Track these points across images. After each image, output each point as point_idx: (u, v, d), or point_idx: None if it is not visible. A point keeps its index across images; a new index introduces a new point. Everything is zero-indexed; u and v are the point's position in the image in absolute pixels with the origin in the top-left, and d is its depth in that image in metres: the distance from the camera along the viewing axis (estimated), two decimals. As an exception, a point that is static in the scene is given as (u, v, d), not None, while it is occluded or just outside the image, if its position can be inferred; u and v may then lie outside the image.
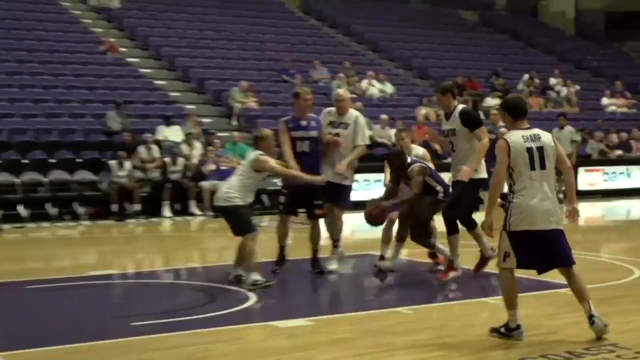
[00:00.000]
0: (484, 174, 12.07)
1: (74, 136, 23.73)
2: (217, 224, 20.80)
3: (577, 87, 35.85)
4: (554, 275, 9.50)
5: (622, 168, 29.79)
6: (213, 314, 10.12)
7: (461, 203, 12.12)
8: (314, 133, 12.86)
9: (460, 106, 12.09)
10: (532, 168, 8.61)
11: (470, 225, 12.41)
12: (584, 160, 29.24)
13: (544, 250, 8.70)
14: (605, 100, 35.58)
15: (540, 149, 8.66)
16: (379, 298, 11.68)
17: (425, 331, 9.16)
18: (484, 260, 12.69)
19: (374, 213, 12.61)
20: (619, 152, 30.74)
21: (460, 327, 9.35)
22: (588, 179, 28.75)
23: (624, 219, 24.97)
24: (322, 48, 34.79)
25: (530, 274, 10.16)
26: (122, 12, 31.24)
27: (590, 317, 8.69)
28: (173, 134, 24.27)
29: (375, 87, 31.21)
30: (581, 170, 28.20)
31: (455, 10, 44.53)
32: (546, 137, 8.80)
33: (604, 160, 29.95)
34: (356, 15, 40.06)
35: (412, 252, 14.63)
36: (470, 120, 11.93)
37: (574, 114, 33.44)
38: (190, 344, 8.61)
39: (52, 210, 21.17)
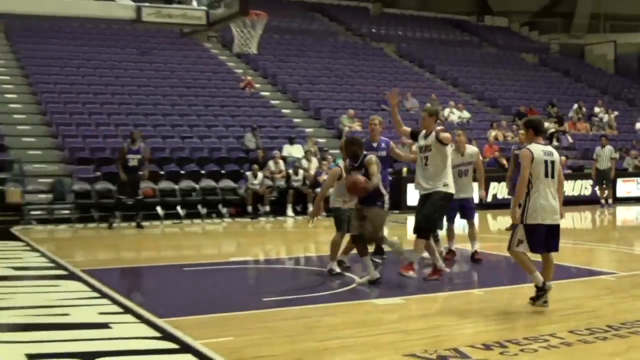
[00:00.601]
0: (452, 190, 11.09)
1: (220, 153, 24.01)
2: (328, 222, 20.87)
3: (616, 113, 35.09)
4: (599, 265, 9.36)
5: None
6: (325, 293, 10.12)
7: (435, 216, 11.02)
8: (382, 153, 12.34)
9: (439, 128, 11.11)
10: (546, 176, 8.92)
11: (429, 236, 11.24)
12: (622, 172, 28.61)
13: (548, 238, 8.96)
14: (638, 125, 34.74)
15: (552, 162, 8.98)
16: (457, 281, 11.54)
17: (494, 309, 9.03)
18: (436, 271, 11.36)
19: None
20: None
21: (522, 305, 9.20)
22: (625, 188, 28.09)
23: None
24: (413, 83, 34.62)
25: (579, 264, 9.99)
26: (257, 56, 31.47)
27: (542, 289, 8.94)
28: (295, 151, 24.43)
29: (455, 114, 30.96)
30: (619, 181, 27.67)
31: (518, 53, 44.00)
32: (556, 154, 9.12)
33: (638, 173, 29.20)
34: (440, 57, 39.81)
35: (484, 246, 14.41)
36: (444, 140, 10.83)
37: (613, 136, 32.76)
38: (308, 315, 8.62)
39: (202, 210, 21.41)
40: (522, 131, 21.18)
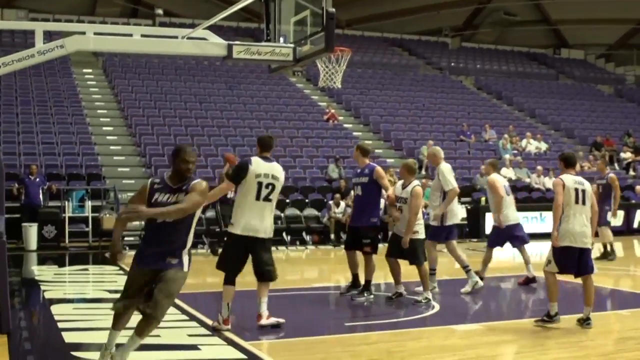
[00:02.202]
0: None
1: (304, 182, 24.14)
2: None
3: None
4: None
5: None
6: (406, 318, 10.08)
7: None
8: (363, 179, 11.70)
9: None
10: (576, 202, 9.32)
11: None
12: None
13: (579, 261, 9.33)
14: None
15: (583, 191, 9.39)
16: (532, 309, 11.37)
17: (570, 336, 8.87)
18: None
19: None
20: None
21: (598, 333, 9.02)
22: None
23: None
24: (491, 115, 34.38)
25: None
26: (341, 90, 31.65)
27: (587, 319, 9.30)
28: (377, 181, 24.41)
29: (532, 145, 30.60)
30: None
31: (594, 85, 43.31)
32: (587, 183, 9.52)
33: None
34: (517, 90, 39.46)
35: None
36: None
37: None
38: (388, 340, 8.60)
39: (287, 238, 21.49)
40: (599, 161, 21.09)
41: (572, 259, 9.30)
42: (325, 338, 8.76)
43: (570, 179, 9.41)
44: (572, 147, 31.68)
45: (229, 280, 9.15)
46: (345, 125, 30.29)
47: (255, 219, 9.02)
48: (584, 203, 9.37)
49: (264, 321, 9.11)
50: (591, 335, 8.90)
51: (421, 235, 11.18)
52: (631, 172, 28.04)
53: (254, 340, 8.41)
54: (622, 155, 31.09)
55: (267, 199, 9.13)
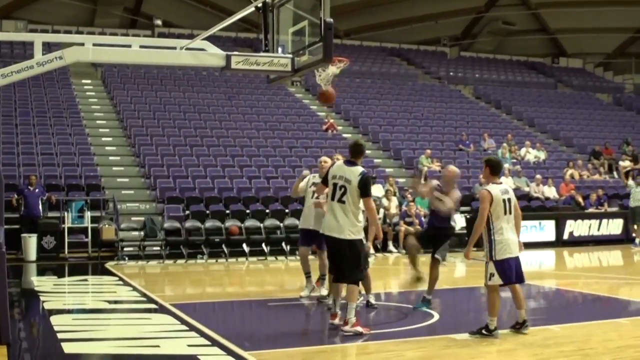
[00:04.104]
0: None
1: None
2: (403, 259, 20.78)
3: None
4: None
5: None
6: (404, 328, 10.07)
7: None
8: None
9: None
10: (505, 213, 9.33)
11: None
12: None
13: (517, 269, 9.43)
14: None
15: (509, 200, 9.39)
16: (533, 318, 11.35)
17: (570, 344, 8.87)
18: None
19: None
20: None
21: (599, 341, 9.02)
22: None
23: None
24: (490, 124, 34.39)
25: None
26: (339, 99, 31.71)
27: (524, 322, 9.55)
28: (375, 190, 24.35)
29: (531, 154, 30.60)
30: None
31: (593, 93, 43.35)
32: (511, 191, 9.56)
33: None
34: (516, 98, 39.48)
35: (559, 283, 14.19)
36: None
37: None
38: (386, 350, 8.59)
39: (286, 247, 21.24)
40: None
41: (512, 269, 9.37)
42: (323, 348, 8.76)
43: (497, 190, 9.34)
44: (571, 156, 31.75)
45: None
46: (345, 135, 30.28)
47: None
48: (510, 212, 9.38)
49: (349, 328, 9.38)
50: (591, 344, 8.89)
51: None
52: (630, 181, 28.01)
53: (253, 350, 8.40)
54: (621, 163, 31.08)
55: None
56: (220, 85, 33.26)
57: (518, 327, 9.58)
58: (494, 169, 9.56)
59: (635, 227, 24.30)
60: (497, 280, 9.34)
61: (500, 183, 9.55)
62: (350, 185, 9.56)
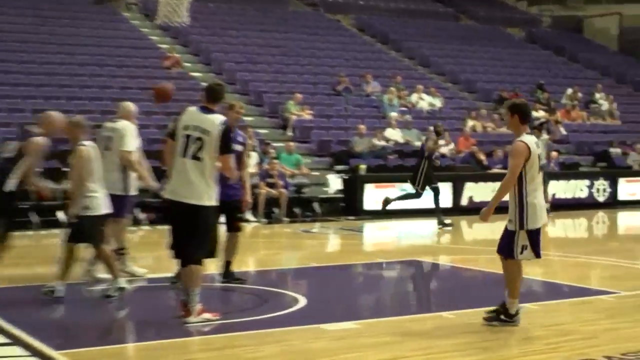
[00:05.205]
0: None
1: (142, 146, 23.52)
2: (269, 230, 20.86)
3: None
4: (596, 282, 9.44)
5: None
6: (263, 316, 10.02)
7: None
8: (239, 148, 11.93)
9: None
10: (538, 172, 9.40)
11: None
12: (625, 171, 28.90)
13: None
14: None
15: (539, 156, 9.44)
16: (422, 303, 11.50)
17: (466, 335, 8.99)
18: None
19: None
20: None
21: (500, 330, 9.17)
22: (628, 189, 28.29)
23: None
24: (375, 63, 34.63)
25: (572, 281, 10.02)
26: (187, 29, 31.28)
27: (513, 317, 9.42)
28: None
29: (425, 101, 31.00)
30: (621, 180, 27.88)
31: (502, 27, 44.21)
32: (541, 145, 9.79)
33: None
34: (408, 32, 39.90)
35: (455, 259, 14.45)
36: None
37: (616, 127, 33.12)
38: (239, 345, 8.52)
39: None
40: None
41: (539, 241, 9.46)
42: (157, 344, 8.61)
43: (533, 143, 9.31)
44: (473, 104, 32.33)
45: None
46: (193, 74, 29.96)
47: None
48: (539, 172, 9.47)
49: (194, 318, 9.38)
50: (492, 335, 9.03)
51: (95, 211, 10.94)
52: (544, 135, 28.70)
53: (68, 349, 8.20)
54: (534, 113, 31.75)
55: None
56: (28, 5, 32.36)
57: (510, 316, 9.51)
58: (525, 116, 9.50)
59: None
60: (528, 254, 9.36)
61: (529, 133, 9.48)
62: (208, 137, 9.36)
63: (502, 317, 9.36)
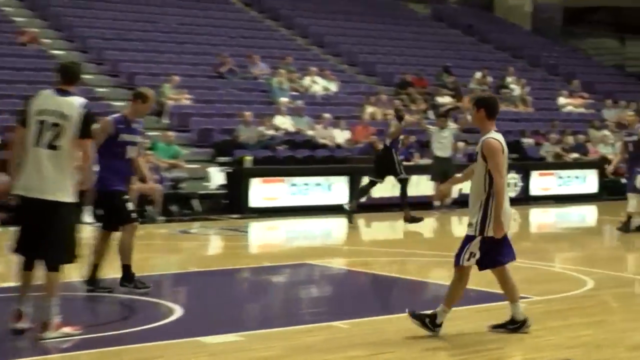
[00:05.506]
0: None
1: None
2: (142, 230, 20.69)
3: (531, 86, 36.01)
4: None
5: (578, 172, 29.84)
6: (133, 329, 9.95)
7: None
8: (139, 139, 12.46)
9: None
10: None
11: None
12: (537, 164, 29.39)
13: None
14: (561, 100, 35.63)
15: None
16: (313, 311, 11.55)
17: (362, 347, 9.06)
18: None
19: None
20: (575, 155, 30.82)
21: (400, 340, 9.26)
22: (541, 183, 28.80)
23: (578, 226, 25.01)
24: (263, 42, 34.53)
25: (478, 285, 10.18)
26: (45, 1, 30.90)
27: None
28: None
29: (319, 84, 31.03)
30: (534, 174, 28.34)
31: (405, 3, 44.53)
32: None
33: (558, 164, 30.01)
34: (300, 7, 39.87)
35: (350, 262, 14.54)
36: None
37: (528, 114, 33.63)
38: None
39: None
40: (631, 114, 21.59)
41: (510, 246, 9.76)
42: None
43: (504, 142, 9.46)
44: (372, 89, 32.48)
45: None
46: (53, 52, 29.55)
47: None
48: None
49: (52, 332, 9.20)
50: (389, 347, 9.10)
51: None
52: (451, 124, 28.92)
53: None
54: (439, 99, 32.04)
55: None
56: None
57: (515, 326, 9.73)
58: (491, 110, 9.57)
59: (438, 184, 24.16)
60: (473, 262, 9.51)
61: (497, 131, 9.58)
62: (67, 123, 9.22)
63: (509, 326, 9.66)
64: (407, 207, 20.95)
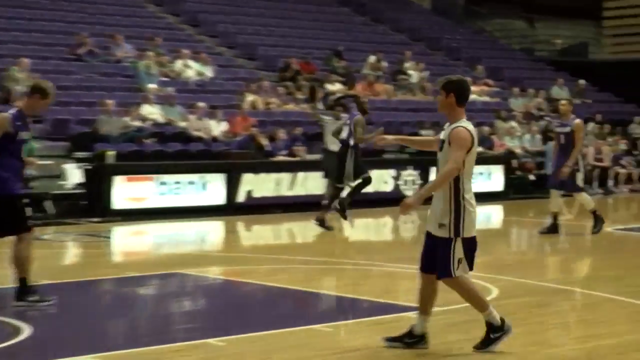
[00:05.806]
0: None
1: None
2: None
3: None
4: (400, 296, 9.57)
5: (482, 168, 29.83)
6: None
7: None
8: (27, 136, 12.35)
9: None
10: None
11: None
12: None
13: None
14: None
15: None
16: (184, 327, 11.42)
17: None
18: None
19: None
20: (479, 148, 30.85)
21: (281, 359, 9.19)
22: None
23: (483, 228, 25.11)
24: (128, 20, 34.41)
25: (372, 295, 10.10)
26: None
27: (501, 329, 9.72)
28: None
29: (192, 69, 30.93)
30: (434, 170, 28.24)
31: (290, -22, 44.64)
32: None
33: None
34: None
35: (228, 271, 14.46)
36: None
37: (427, 102, 33.74)
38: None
39: None
40: (564, 102, 21.43)
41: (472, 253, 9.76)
42: None
43: (475, 132, 9.47)
44: (253, 75, 32.45)
45: None
46: None
47: None
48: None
49: None
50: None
51: None
52: (342, 114, 28.95)
53: None
54: (329, 87, 32.04)
55: None
56: None
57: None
58: (462, 95, 9.47)
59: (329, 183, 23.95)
60: (465, 268, 9.51)
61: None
62: None
63: (493, 335, 9.61)
64: (328, 210, 20.83)
